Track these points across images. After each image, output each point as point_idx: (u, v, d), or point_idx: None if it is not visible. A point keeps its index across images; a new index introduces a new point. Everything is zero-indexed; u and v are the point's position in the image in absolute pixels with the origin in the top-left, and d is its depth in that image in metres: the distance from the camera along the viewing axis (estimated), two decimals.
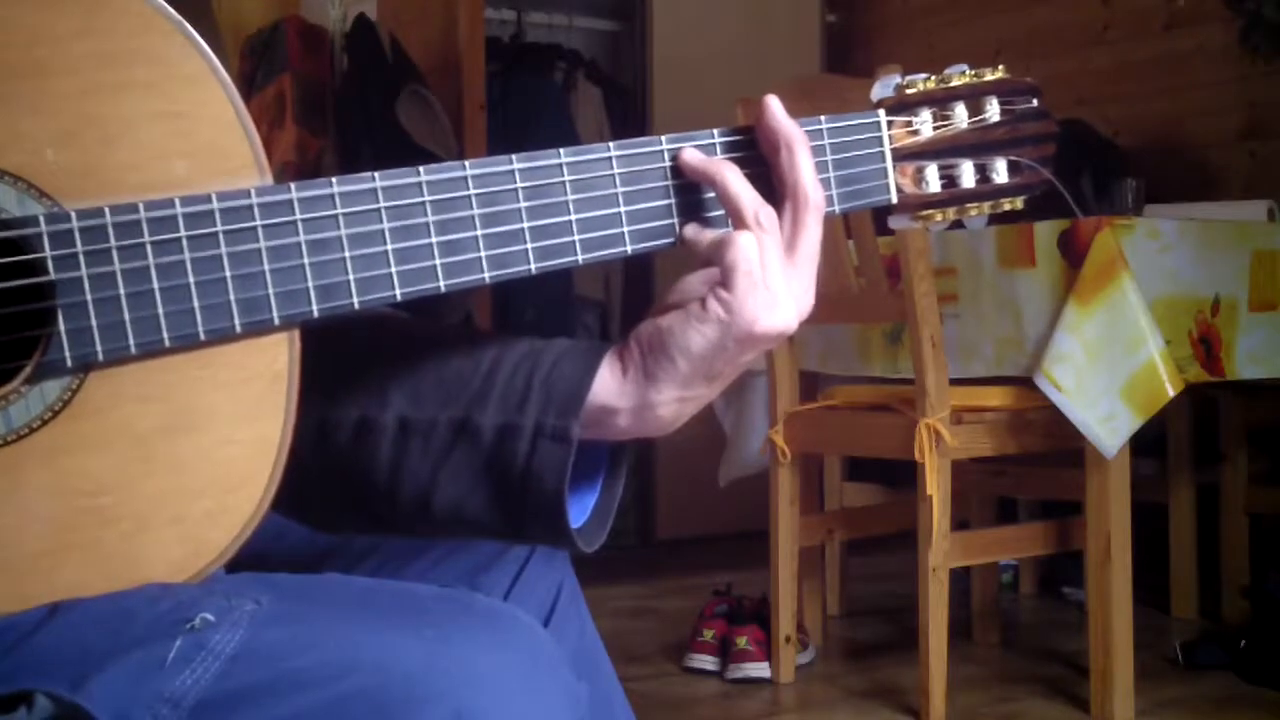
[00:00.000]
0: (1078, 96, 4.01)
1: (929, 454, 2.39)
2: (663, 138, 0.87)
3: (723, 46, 4.53)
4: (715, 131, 0.89)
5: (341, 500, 0.92)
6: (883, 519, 3.06)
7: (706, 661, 2.81)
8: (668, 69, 4.51)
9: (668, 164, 0.86)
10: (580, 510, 0.90)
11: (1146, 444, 2.70)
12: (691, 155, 0.87)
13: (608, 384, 0.86)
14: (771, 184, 0.88)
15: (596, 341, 0.89)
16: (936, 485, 2.39)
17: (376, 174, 0.79)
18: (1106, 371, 2.33)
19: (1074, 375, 2.34)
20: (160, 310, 0.75)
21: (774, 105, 0.88)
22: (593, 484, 0.91)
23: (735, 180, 0.86)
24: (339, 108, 3.79)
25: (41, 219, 0.73)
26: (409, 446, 0.87)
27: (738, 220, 0.85)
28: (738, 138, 0.89)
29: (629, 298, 4.63)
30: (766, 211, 0.85)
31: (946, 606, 2.43)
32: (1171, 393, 2.30)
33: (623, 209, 0.85)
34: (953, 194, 0.94)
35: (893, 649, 3.01)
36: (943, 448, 2.40)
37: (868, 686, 2.72)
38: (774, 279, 0.84)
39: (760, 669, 2.73)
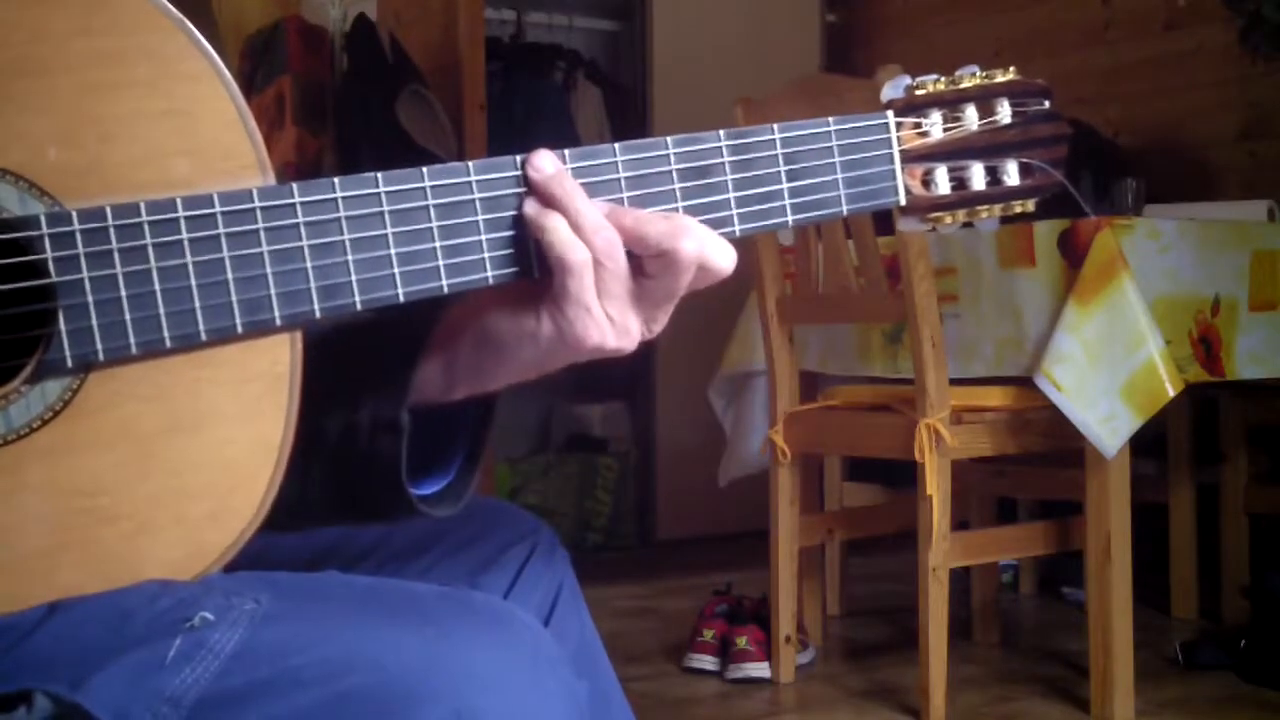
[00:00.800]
0: (1078, 96, 4.01)
1: (929, 454, 2.39)
2: (669, 139, 0.86)
3: (723, 46, 4.53)
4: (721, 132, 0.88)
5: None
6: (883, 519, 3.05)
7: (706, 661, 2.81)
8: (668, 69, 4.51)
9: (674, 168, 0.86)
10: (444, 472, 0.93)
11: (1146, 444, 2.70)
12: (542, 162, 0.83)
13: (432, 376, 0.89)
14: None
15: (416, 323, 0.90)
16: (936, 485, 2.39)
17: (380, 175, 0.79)
18: (1106, 371, 2.33)
19: (1074, 375, 2.34)
20: (161, 310, 0.75)
21: (535, 169, 0.83)
22: (455, 441, 0.93)
23: (575, 203, 0.83)
24: (339, 108, 3.79)
25: (43, 218, 0.73)
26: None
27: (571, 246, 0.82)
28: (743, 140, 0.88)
29: None
30: (607, 236, 0.82)
31: (946, 606, 2.43)
32: (1171, 393, 2.30)
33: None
34: (962, 196, 0.94)
35: (893, 649, 3.01)
36: (943, 448, 2.40)
37: (868, 686, 2.72)
38: (611, 306, 0.83)
39: (760, 669, 2.73)
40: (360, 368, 0.89)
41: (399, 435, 0.87)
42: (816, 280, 2.65)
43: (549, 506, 4.20)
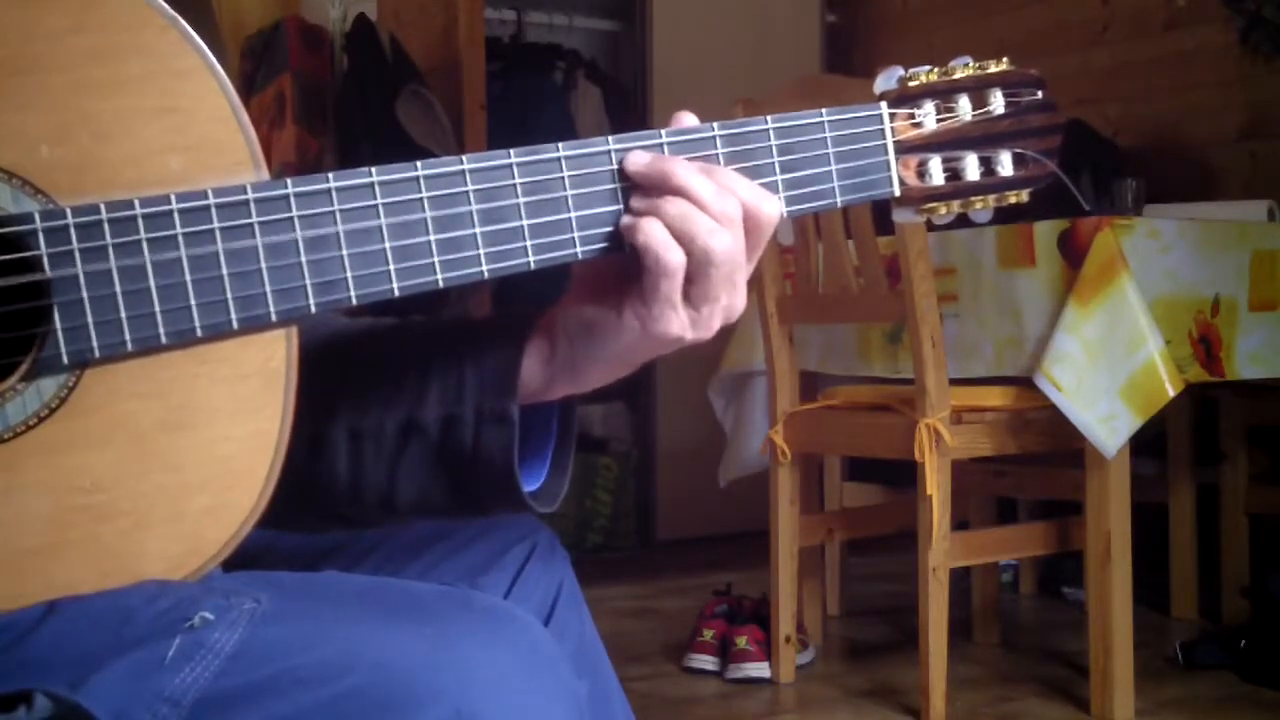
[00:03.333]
0: (1078, 96, 4.00)
1: (929, 454, 2.38)
2: (662, 131, 0.86)
3: (723, 46, 4.53)
4: (714, 125, 0.87)
5: (307, 509, 0.95)
6: (883, 519, 3.05)
7: (706, 661, 2.81)
8: (668, 69, 4.51)
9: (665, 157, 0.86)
10: (540, 468, 0.94)
11: (1146, 444, 2.70)
12: (634, 162, 0.84)
13: (534, 369, 0.89)
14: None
15: (514, 318, 0.91)
16: (936, 485, 2.39)
17: (374, 169, 0.79)
18: (1106, 371, 2.33)
19: (1074, 375, 2.34)
20: (156, 307, 0.75)
21: (634, 159, 0.84)
22: (547, 439, 0.94)
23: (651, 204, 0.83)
24: (339, 108, 3.79)
25: (37, 216, 0.73)
26: (363, 453, 0.91)
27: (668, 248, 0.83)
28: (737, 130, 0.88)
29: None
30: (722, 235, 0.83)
31: (946, 606, 2.43)
32: (1171, 393, 2.30)
33: (622, 203, 0.85)
34: (957, 187, 0.94)
35: (893, 649, 3.01)
36: (943, 448, 2.40)
37: (868, 686, 2.72)
38: (700, 300, 0.84)
39: (760, 669, 2.73)
40: (459, 361, 0.90)
41: (509, 427, 0.87)
42: (816, 280, 2.65)
43: None
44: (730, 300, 0.85)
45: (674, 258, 0.82)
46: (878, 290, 2.50)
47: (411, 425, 0.89)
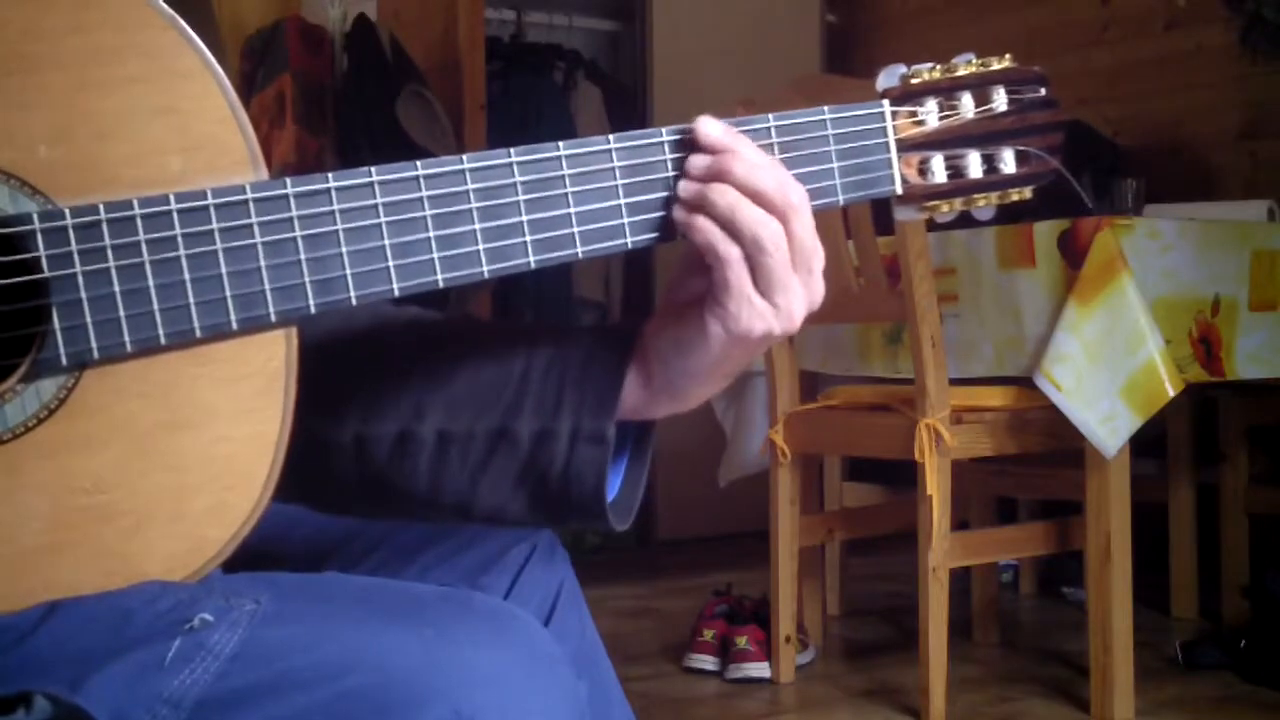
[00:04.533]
0: (1078, 96, 4.00)
1: (929, 454, 2.38)
2: (663, 129, 0.86)
3: (723, 46, 4.53)
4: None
5: (382, 508, 0.95)
6: (883, 519, 3.05)
7: (706, 661, 2.81)
8: (668, 69, 4.51)
9: (669, 156, 0.85)
10: (610, 486, 0.93)
11: (1146, 444, 2.69)
12: (710, 126, 0.84)
13: (634, 392, 0.89)
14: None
15: (618, 334, 0.91)
16: (936, 485, 2.39)
17: (373, 169, 0.79)
18: (1106, 371, 2.32)
19: (1074, 375, 2.34)
20: (155, 307, 0.75)
21: (706, 125, 0.84)
22: (620, 455, 0.94)
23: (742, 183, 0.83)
24: (339, 108, 3.79)
25: (35, 216, 0.73)
26: (448, 457, 0.90)
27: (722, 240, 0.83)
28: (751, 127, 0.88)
29: (629, 298, 4.63)
30: (769, 226, 0.83)
31: (946, 606, 2.43)
32: (1171, 393, 2.30)
33: (623, 201, 0.84)
34: (959, 185, 0.93)
35: (893, 649, 3.01)
36: (943, 448, 2.40)
37: (868, 686, 2.72)
38: (770, 289, 0.83)
39: (760, 669, 2.73)
40: (560, 375, 0.89)
41: (604, 448, 0.87)
42: None
43: None
44: (807, 287, 0.84)
45: (730, 250, 0.82)
46: (878, 290, 2.50)
47: (503, 434, 0.89)
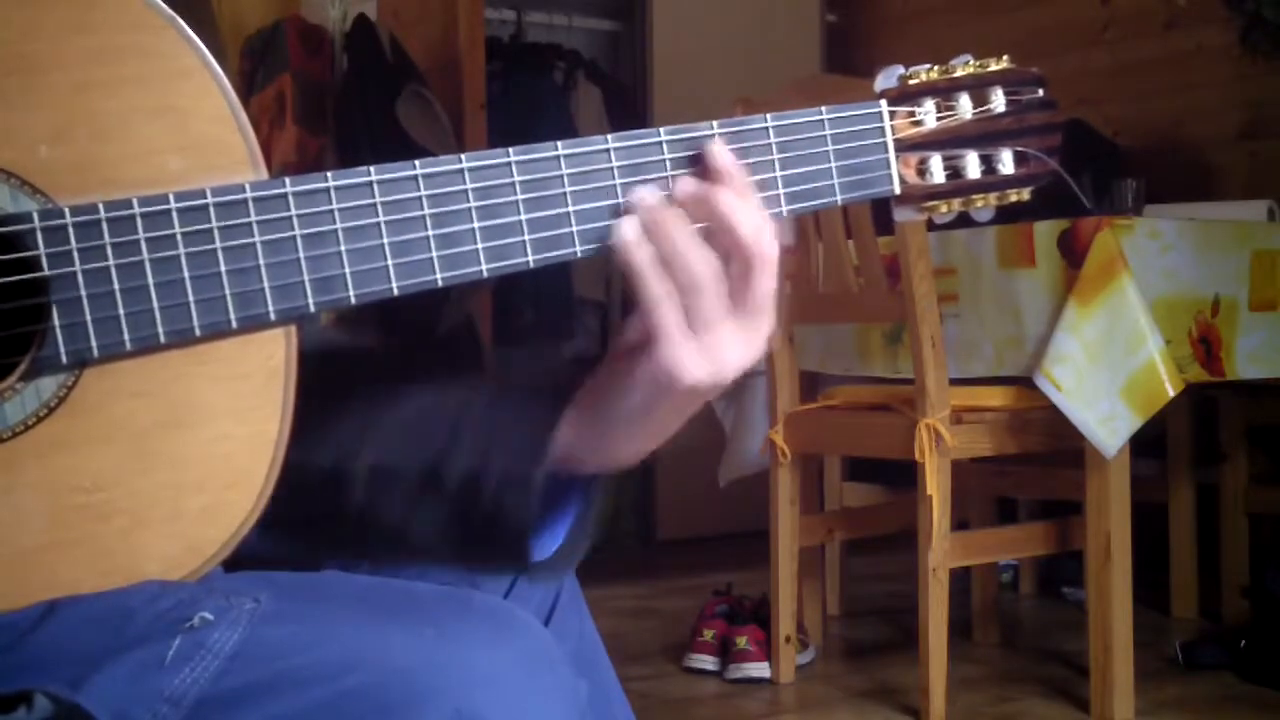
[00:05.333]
0: (1078, 96, 4.00)
1: (929, 454, 2.38)
2: (661, 130, 0.86)
3: (723, 46, 4.53)
4: (714, 124, 0.86)
5: (316, 535, 0.94)
6: (883, 519, 3.05)
7: (706, 661, 2.81)
8: (668, 69, 4.51)
9: (667, 156, 0.85)
10: (555, 533, 0.91)
11: (1146, 444, 2.69)
12: (721, 150, 0.82)
13: (566, 437, 0.87)
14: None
15: (556, 384, 0.89)
16: (936, 485, 2.39)
17: (372, 168, 0.79)
18: (1106, 371, 2.32)
19: (1074, 375, 2.34)
20: (155, 305, 0.75)
21: (718, 149, 0.83)
22: (568, 505, 0.92)
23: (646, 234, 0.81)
24: (339, 108, 3.79)
25: (35, 215, 0.73)
26: (381, 490, 0.90)
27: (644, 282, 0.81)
28: (738, 128, 0.87)
29: (629, 298, 4.62)
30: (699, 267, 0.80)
31: (946, 606, 2.43)
32: (1171, 393, 2.30)
33: (621, 201, 0.84)
34: (957, 185, 0.93)
35: (893, 649, 3.01)
36: (943, 448, 2.40)
37: (868, 686, 2.72)
38: (702, 333, 0.81)
39: (760, 669, 2.73)
40: (492, 419, 0.88)
41: (529, 495, 0.86)
42: (816, 280, 2.65)
43: None
44: (748, 343, 0.82)
45: (660, 288, 0.80)
46: (878, 290, 2.50)
47: (434, 474, 0.88)
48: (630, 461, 0.89)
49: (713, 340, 0.81)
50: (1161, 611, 3.20)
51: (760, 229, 0.81)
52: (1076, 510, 2.51)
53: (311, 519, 0.91)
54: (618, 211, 0.84)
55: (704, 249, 0.80)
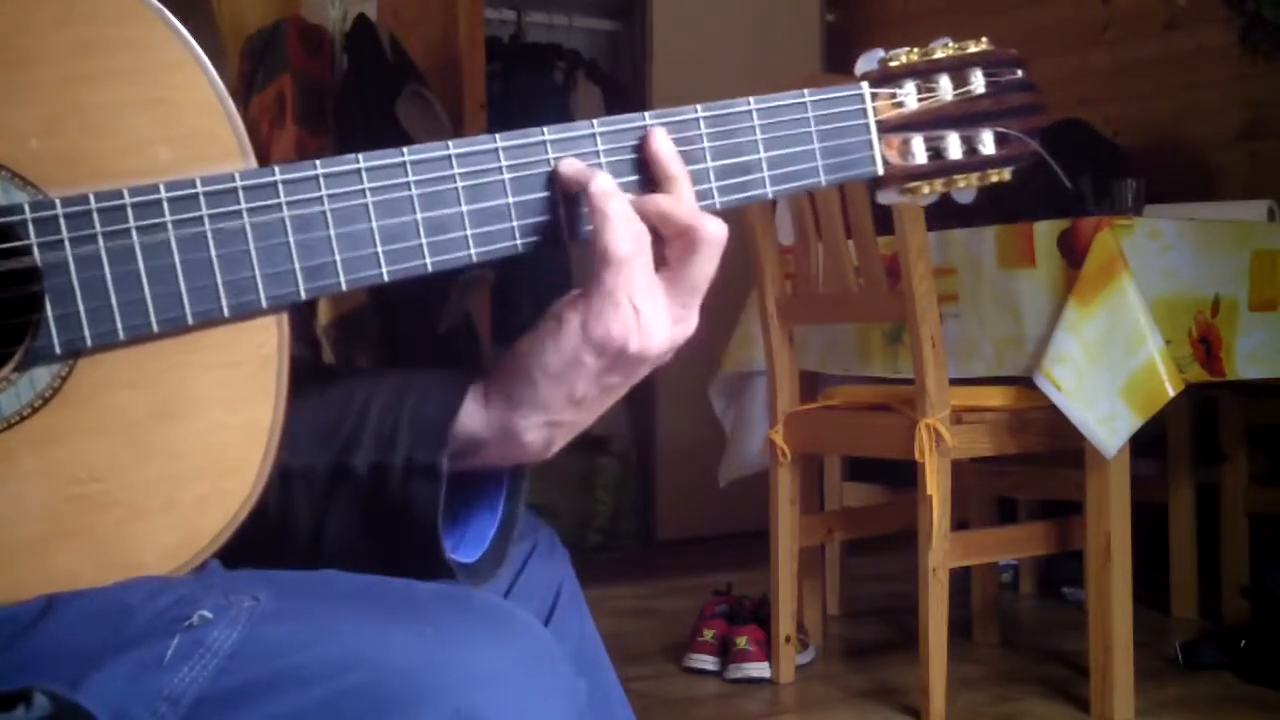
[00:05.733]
0: (1078, 96, 4.00)
1: (929, 454, 2.38)
2: (646, 113, 0.86)
3: (723, 46, 4.53)
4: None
5: (237, 550, 0.92)
6: (883, 519, 3.05)
7: (706, 661, 2.81)
8: (668, 69, 4.51)
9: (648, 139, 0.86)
10: (480, 536, 0.91)
11: (1146, 444, 2.69)
12: (568, 165, 0.84)
13: (473, 414, 0.87)
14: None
15: (465, 370, 0.89)
16: (936, 485, 2.39)
17: (360, 155, 0.79)
18: (1106, 371, 2.32)
19: (1074, 375, 2.34)
20: (147, 294, 0.75)
21: (658, 139, 0.85)
22: (494, 506, 0.92)
23: (603, 194, 0.83)
24: (339, 108, 3.79)
25: (26, 207, 0.73)
26: (292, 493, 0.88)
27: (603, 234, 0.83)
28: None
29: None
30: (636, 227, 0.83)
31: (946, 606, 2.43)
32: (1171, 393, 2.30)
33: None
34: (939, 165, 0.94)
35: (893, 649, 3.01)
36: (943, 448, 2.40)
37: (868, 686, 2.72)
38: (639, 296, 0.83)
39: (760, 669, 2.73)
40: (396, 409, 0.87)
41: (437, 482, 0.85)
42: (816, 280, 2.65)
43: (549, 506, 4.20)
44: (681, 319, 0.84)
45: (624, 249, 0.81)
46: (878, 290, 2.50)
47: (342, 471, 0.87)
48: (536, 450, 0.88)
49: (650, 310, 0.82)
50: (1161, 611, 3.20)
51: (695, 211, 0.84)
52: (1076, 510, 2.51)
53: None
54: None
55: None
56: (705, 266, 0.84)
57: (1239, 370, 2.50)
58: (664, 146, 0.85)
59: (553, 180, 0.84)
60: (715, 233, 0.84)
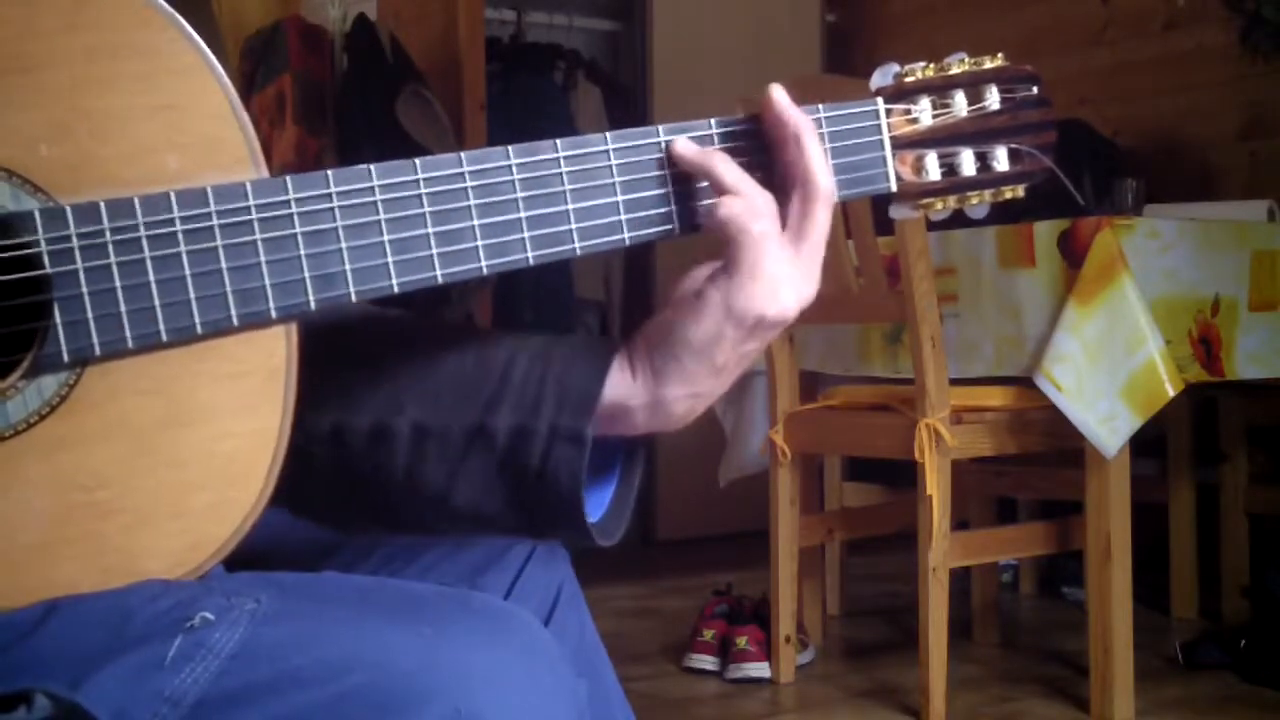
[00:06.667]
0: (1078, 96, 4.00)
1: (929, 454, 2.38)
2: (659, 128, 0.87)
3: (723, 46, 4.53)
4: (712, 121, 0.88)
5: (358, 502, 0.93)
6: (883, 519, 3.05)
7: (706, 661, 2.81)
8: (668, 69, 4.51)
9: (665, 154, 0.87)
10: (598, 503, 0.91)
11: (1146, 444, 2.70)
12: (684, 146, 0.87)
13: (618, 384, 0.88)
14: (770, 172, 0.88)
15: (605, 338, 0.90)
16: (936, 485, 2.39)
17: (373, 166, 0.79)
18: (1106, 371, 2.32)
19: (1074, 375, 2.34)
20: (156, 303, 0.75)
21: (780, 95, 0.89)
22: (609, 477, 0.92)
23: (728, 170, 0.86)
24: (339, 108, 3.79)
25: (37, 213, 0.73)
26: (425, 451, 0.89)
27: (733, 211, 0.85)
28: (733, 128, 0.89)
29: (629, 298, 4.63)
30: (765, 199, 0.85)
31: (946, 606, 2.43)
32: (1171, 393, 2.30)
33: (620, 198, 0.85)
34: (953, 182, 0.94)
35: (893, 649, 3.01)
36: (943, 448, 2.40)
37: (868, 686, 2.72)
38: (773, 265, 0.85)
39: (760, 669, 2.73)
40: (541, 373, 0.88)
41: (581, 448, 0.85)
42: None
43: None
44: (809, 277, 0.87)
45: (759, 226, 0.84)
46: (878, 290, 2.50)
47: (481, 431, 0.87)
48: (680, 419, 0.89)
49: (786, 276, 0.85)
50: (1161, 611, 3.20)
51: (821, 165, 0.86)
52: (1076, 510, 2.51)
53: (354, 483, 0.90)
54: (617, 209, 0.85)
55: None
56: (825, 220, 0.87)
57: (1239, 370, 2.50)
58: (787, 104, 0.89)
59: (566, 195, 0.84)
60: (828, 185, 0.87)
